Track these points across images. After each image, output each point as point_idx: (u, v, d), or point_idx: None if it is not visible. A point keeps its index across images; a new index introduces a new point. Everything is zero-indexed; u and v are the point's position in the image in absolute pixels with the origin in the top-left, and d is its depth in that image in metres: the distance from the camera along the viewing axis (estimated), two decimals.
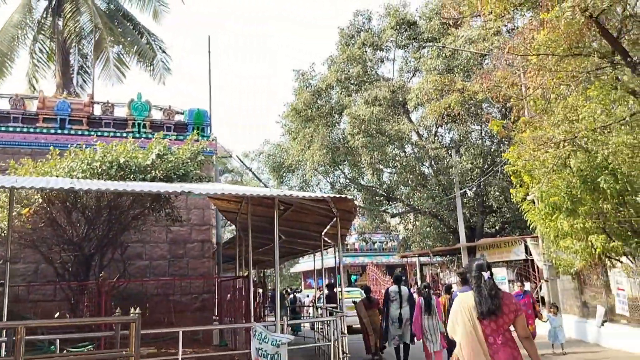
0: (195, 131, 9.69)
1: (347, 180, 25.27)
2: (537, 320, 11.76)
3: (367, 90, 21.25)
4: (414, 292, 14.34)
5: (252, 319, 7.43)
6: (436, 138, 22.61)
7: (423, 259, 30.07)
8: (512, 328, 3.88)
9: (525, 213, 13.07)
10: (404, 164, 20.67)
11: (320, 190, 26.62)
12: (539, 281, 17.25)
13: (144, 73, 14.64)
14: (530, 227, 12.93)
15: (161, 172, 7.64)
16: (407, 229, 25.06)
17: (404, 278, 29.92)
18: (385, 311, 10.23)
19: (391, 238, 31.28)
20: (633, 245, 11.05)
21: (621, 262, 11.55)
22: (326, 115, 22.08)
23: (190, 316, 10.14)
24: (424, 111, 20.95)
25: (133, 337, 4.86)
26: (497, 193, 20.02)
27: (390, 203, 25.11)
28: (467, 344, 3.77)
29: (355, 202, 26.62)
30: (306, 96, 21.72)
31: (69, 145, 8.80)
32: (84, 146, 8.31)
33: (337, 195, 6.52)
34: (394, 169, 21.89)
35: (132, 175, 7.43)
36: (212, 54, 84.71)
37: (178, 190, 5.91)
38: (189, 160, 8.28)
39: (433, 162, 21.30)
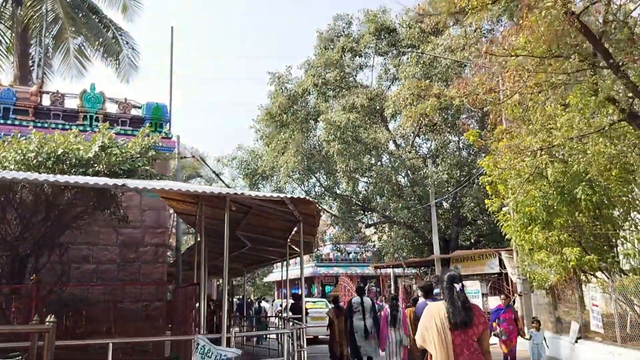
0: (148, 125, 8.99)
1: (322, 189, 24.70)
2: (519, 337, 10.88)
3: (345, 96, 20.78)
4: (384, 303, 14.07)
5: (203, 330, 6.73)
6: (413, 148, 22.23)
7: (397, 270, 29.62)
8: None
9: (500, 225, 12.64)
10: (379, 173, 20.17)
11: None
12: (513, 295, 16.83)
13: (108, 69, 13.89)
14: (505, 237, 12.48)
15: (105, 166, 6.94)
16: (382, 240, 24.55)
17: (377, 289, 29.11)
18: (349, 322, 10.13)
19: (366, 249, 30.75)
20: (609, 259, 10.66)
21: (596, 277, 11.16)
22: (302, 121, 21.52)
23: (141, 325, 9.40)
24: (400, 119, 20.54)
25: (46, 350, 4.19)
26: (472, 204, 19.65)
27: (366, 213, 24.61)
28: (440, 353, 3.81)
29: (331, 210, 26.27)
30: (281, 100, 21.15)
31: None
32: (18, 135, 7.56)
33: (296, 197, 5.91)
34: (370, 178, 21.39)
35: (72, 169, 6.73)
36: (190, 59, 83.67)
37: (110, 183, 5.24)
38: (138, 156, 7.60)
39: (409, 172, 20.88)
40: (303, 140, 21.43)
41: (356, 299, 10.40)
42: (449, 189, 20.31)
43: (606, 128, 9.39)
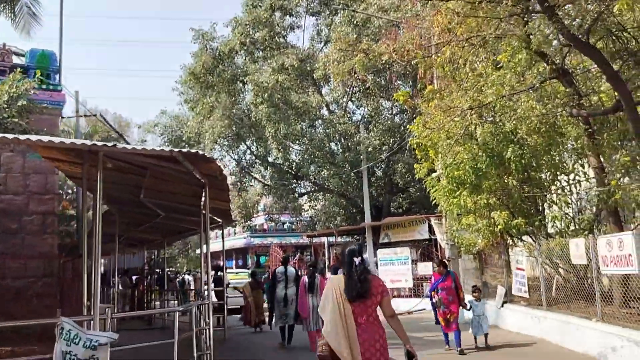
0: (18, 70, 7.57)
1: (254, 157, 23.63)
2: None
3: (274, 56, 19.61)
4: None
5: (87, 310, 5.68)
6: (346, 114, 21.52)
7: (332, 239, 29.25)
8: None
9: (429, 190, 12.21)
10: (312, 139, 19.33)
11: (224, 167, 24.80)
12: (444, 260, 16.70)
13: (5, 21, 11.93)
14: (434, 202, 12.06)
15: None
16: (315, 209, 23.92)
17: (311, 258, 28.41)
18: (271, 292, 10.41)
19: (300, 219, 30.11)
20: (536, 223, 10.44)
21: (523, 241, 10.97)
22: (229, 82, 20.20)
23: (26, 304, 8.20)
24: (332, 83, 19.69)
25: None
26: (404, 171, 19.30)
27: (299, 182, 23.81)
28: (333, 323, 3.97)
29: (263, 180, 25.30)
30: (206, 59, 19.69)
31: None
32: None
33: (188, 151, 4.91)
34: (302, 145, 20.50)
35: None
36: (109, 21, 78.31)
37: None
38: (5, 106, 6.33)
39: (342, 139, 20.17)
40: (230, 104, 20.16)
41: (280, 268, 10.56)
42: (382, 155, 19.82)
43: (537, 85, 8.97)
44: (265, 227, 36.03)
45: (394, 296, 18.22)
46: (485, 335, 9.29)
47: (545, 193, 10.29)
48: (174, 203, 8.79)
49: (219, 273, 14.19)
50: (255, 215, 36.98)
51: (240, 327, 14.05)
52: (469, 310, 9.35)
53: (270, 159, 22.31)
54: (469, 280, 14.72)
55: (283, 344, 10.15)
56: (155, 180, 7.33)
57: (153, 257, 23.89)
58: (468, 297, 9.70)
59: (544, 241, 10.01)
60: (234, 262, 38.93)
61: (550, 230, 10.85)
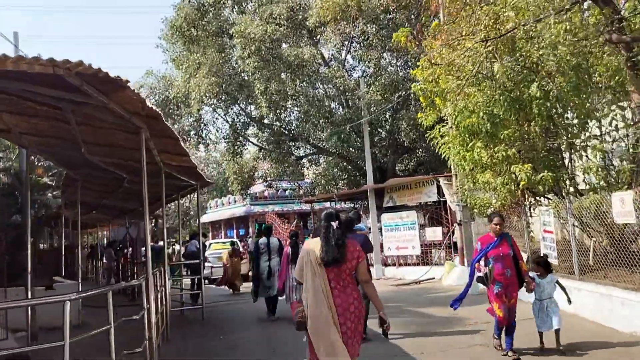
0: None
1: (248, 119, 21.99)
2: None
3: (263, 6, 17.76)
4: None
5: None
6: (344, 68, 19.73)
7: (335, 204, 27.85)
8: None
9: (436, 143, 10.56)
10: (306, 96, 17.64)
11: (217, 131, 23.19)
12: (452, 225, 15.22)
13: None
14: (443, 157, 10.46)
15: None
16: (315, 173, 22.39)
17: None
18: (255, 264, 10.12)
19: (300, 184, 28.67)
20: (565, 177, 8.84)
21: (549, 199, 9.39)
22: (215, 36, 18.47)
23: None
24: (327, 32, 17.86)
25: None
26: (409, 128, 17.62)
27: (296, 144, 22.21)
28: (311, 287, 3.94)
29: (258, 143, 23.80)
30: (189, 11, 17.89)
31: None
32: None
33: (81, 63, 3.32)
34: (295, 102, 18.80)
35: None
36: None
37: None
38: None
39: (340, 95, 18.42)
40: (218, 60, 18.43)
41: (262, 240, 10.22)
42: (384, 111, 18.12)
43: (567, 8, 7.26)
44: (265, 194, 34.60)
45: (400, 264, 16.87)
46: (557, 332, 6.08)
47: (574, 140, 8.65)
48: (128, 161, 7.28)
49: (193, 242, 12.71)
50: (255, 182, 35.77)
51: (222, 301, 12.90)
52: (532, 292, 6.25)
53: (266, 121, 20.68)
54: None
55: (269, 316, 9.91)
56: (87, 129, 5.80)
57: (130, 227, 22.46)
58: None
59: (574, 198, 8.44)
60: (234, 231, 37.78)
61: (580, 187, 9.26)
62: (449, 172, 14.38)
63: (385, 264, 17.25)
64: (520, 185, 8.70)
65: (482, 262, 6.23)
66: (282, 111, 18.61)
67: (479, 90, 8.74)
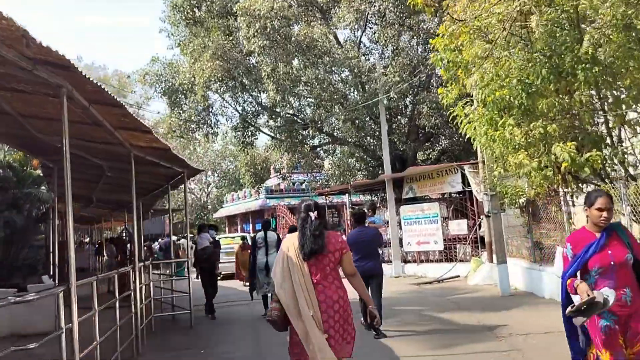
0: None
1: (258, 107, 20.81)
2: None
3: None
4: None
5: None
6: (359, 48, 18.40)
7: (355, 197, 26.60)
8: None
9: (459, 122, 9.17)
10: (317, 78, 16.35)
11: (227, 120, 22.04)
12: (478, 218, 13.82)
13: None
14: (469, 142, 9.05)
15: None
16: (331, 164, 21.11)
17: (335, 220, 25.34)
18: (252, 259, 9.83)
19: (315, 175, 27.42)
20: (615, 158, 7.41)
21: (596, 185, 7.94)
22: (219, 17, 17.30)
23: None
24: (342, 8, 16.53)
25: None
26: (430, 112, 16.22)
27: (310, 133, 20.94)
28: (289, 283, 3.69)
29: (269, 132, 22.62)
30: None
31: None
32: None
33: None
34: (306, 87, 17.51)
35: None
36: None
37: None
38: None
39: (354, 77, 17.05)
40: (224, 42, 17.28)
41: (260, 234, 9.92)
42: (403, 93, 16.73)
43: None
44: (281, 187, 33.47)
45: (421, 261, 15.53)
46: None
47: (627, 113, 7.20)
48: (89, 142, 6.14)
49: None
50: (271, 176, 34.69)
51: (221, 302, 11.83)
52: None
53: (277, 109, 19.46)
54: (514, 241, 11.88)
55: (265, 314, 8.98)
56: (12, 97, 4.64)
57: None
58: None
59: (629, 182, 7.02)
60: (251, 225, 36.73)
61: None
62: (475, 159, 12.99)
63: (405, 261, 15.93)
64: (562, 168, 7.29)
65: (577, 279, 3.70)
66: (292, 96, 17.33)
67: (511, 56, 7.34)
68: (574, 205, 8.47)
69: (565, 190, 8.32)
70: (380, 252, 9.10)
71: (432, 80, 18.71)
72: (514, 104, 7.63)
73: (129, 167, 7.23)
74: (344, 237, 5.55)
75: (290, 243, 3.81)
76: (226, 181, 48.39)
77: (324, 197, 23.71)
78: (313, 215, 3.77)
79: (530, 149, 7.78)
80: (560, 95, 7.62)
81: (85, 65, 31.42)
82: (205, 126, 21.31)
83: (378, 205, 17.67)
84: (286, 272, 3.71)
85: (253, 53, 15.96)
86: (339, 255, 3.76)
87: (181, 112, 21.10)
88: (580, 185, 8.29)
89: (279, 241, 9.46)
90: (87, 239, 31.09)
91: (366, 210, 10.03)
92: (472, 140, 9.26)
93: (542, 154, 7.60)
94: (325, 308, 3.61)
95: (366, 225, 8.29)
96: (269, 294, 8.96)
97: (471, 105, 9.24)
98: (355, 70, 16.26)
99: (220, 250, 19.26)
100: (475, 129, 8.75)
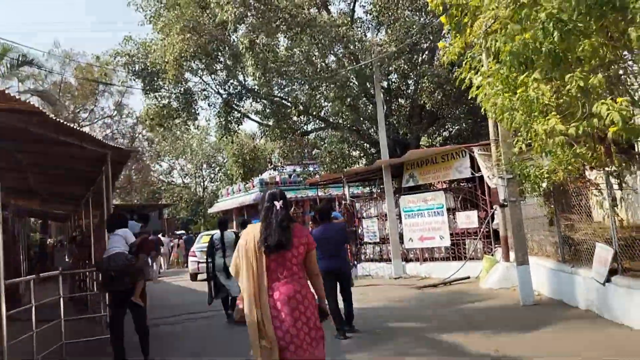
0: None
1: (242, 89, 18.86)
2: None
3: None
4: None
5: None
6: (352, 17, 16.41)
7: (355, 189, 24.70)
8: None
9: (464, 85, 7.17)
10: (302, 51, 14.41)
11: (209, 106, 20.08)
12: (491, 208, 11.86)
13: None
14: (475, 101, 7.08)
15: None
16: (320, 151, 19.17)
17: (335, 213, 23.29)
18: (210, 262, 9.17)
19: (311, 166, 25.45)
20: None
21: None
22: None
23: None
24: None
25: None
26: (433, 88, 14.22)
27: (300, 117, 19.00)
28: (248, 279, 3.42)
29: (254, 118, 20.72)
30: None
31: None
32: None
33: None
34: (290, 64, 15.53)
35: None
36: None
37: None
38: None
39: (344, 47, 15.05)
40: (195, 13, 15.35)
41: (216, 235, 9.31)
42: (401, 66, 14.76)
43: None
44: (277, 179, 31.53)
45: (424, 259, 13.59)
46: None
47: None
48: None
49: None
50: (267, 168, 32.79)
51: (185, 313, 9.95)
52: None
53: (261, 89, 17.48)
54: (536, 236, 9.92)
55: (228, 318, 8.83)
56: None
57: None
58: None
59: None
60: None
61: None
62: (487, 139, 11.03)
63: (406, 259, 13.99)
64: (609, 135, 5.33)
65: None
66: (276, 75, 15.35)
67: None
68: (621, 188, 6.49)
69: (610, 168, 6.34)
70: (346, 248, 8.47)
71: (434, 53, 16.74)
72: (539, 52, 5.68)
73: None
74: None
75: (251, 235, 3.50)
76: (221, 174, 46.53)
77: (318, 189, 21.85)
78: (278, 204, 3.51)
79: (564, 110, 5.82)
80: (606, 38, 5.68)
81: (63, 51, 29.39)
82: (184, 113, 19.41)
83: (375, 196, 15.74)
84: (248, 268, 3.43)
85: (227, 23, 14.00)
86: (303, 250, 3.51)
87: (158, 96, 19.22)
88: (630, 160, 6.33)
89: (236, 241, 8.12)
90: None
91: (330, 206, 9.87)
92: (483, 110, 7.33)
93: (581, 119, 5.64)
94: (284, 306, 3.33)
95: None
96: (230, 297, 8.83)
97: (480, 62, 7.32)
98: (344, 40, 14.24)
99: (199, 249, 17.72)
100: (485, 95, 6.81)
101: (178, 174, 50.08)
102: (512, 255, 10.66)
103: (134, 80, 19.45)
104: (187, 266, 21.65)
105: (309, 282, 3.56)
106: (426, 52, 16.70)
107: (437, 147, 14.78)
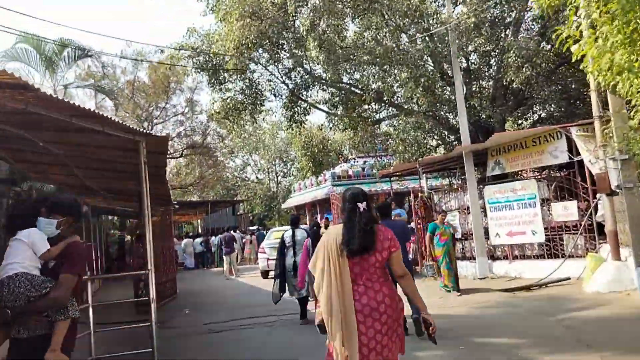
0: None
1: (308, 76, 18.03)
2: None
3: None
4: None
5: None
6: None
7: (433, 181, 23.25)
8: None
9: (565, 41, 5.76)
10: (369, 27, 13.30)
11: (275, 97, 19.39)
12: (594, 198, 10.21)
13: None
14: (568, 74, 5.69)
15: None
16: (390, 136, 17.91)
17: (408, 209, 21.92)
18: (280, 260, 9.01)
19: (386, 160, 24.16)
20: None
21: None
22: None
23: None
24: None
25: None
26: (519, 62, 12.61)
27: (369, 103, 17.89)
28: (327, 284, 3.31)
29: (322, 107, 19.82)
30: None
31: None
32: None
33: None
34: (356, 46, 14.44)
35: None
36: None
37: None
38: None
39: (415, 22, 13.74)
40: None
41: (288, 233, 9.12)
42: (482, 43, 13.27)
43: None
44: (350, 173, 30.51)
45: (514, 257, 12.11)
46: None
47: None
48: None
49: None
50: (339, 161, 31.88)
51: (233, 320, 9.20)
52: None
53: (323, 73, 16.48)
54: None
55: (301, 319, 8.67)
56: None
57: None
58: None
59: None
60: (319, 215, 34.11)
61: None
62: (588, 118, 9.43)
63: (493, 257, 12.55)
64: None
65: None
66: (339, 57, 14.30)
67: None
68: None
69: None
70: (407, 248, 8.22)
71: (519, 29, 15.03)
72: None
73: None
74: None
75: (333, 237, 3.37)
76: (294, 169, 46.22)
77: (392, 181, 20.66)
78: (362, 206, 3.38)
79: None
80: None
81: (134, 51, 29.92)
82: (250, 105, 18.87)
83: (455, 188, 14.34)
84: (328, 272, 3.31)
85: (288, 6, 13.18)
86: (387, 254, 3.36)
87: (223, 89, 18.85)
88: None
89: (313, 240, 8.27)
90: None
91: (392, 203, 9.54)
92: (588, 75, 5.93)
93: None
94: (370, 312, 3.22)
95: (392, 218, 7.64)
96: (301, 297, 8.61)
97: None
98: (417, 15, 12.95)
99: (268, 245, 17.15)
100: (593, 52, 5.42)
101: (252, 170, 50.48)
102: (623, 252, 9.07)
103: (199, 73, 19.22)
104: (258, 262, 21.30)
105: (394, 285, 3.44)
106: (511, 25, 15.05)
107: (526, 130, 13.13)
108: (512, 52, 12.76)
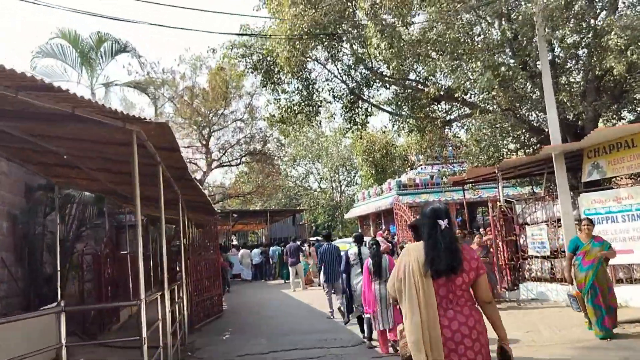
0: None
1: (370, 74, 16.58)
2: None
3: None
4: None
5: None
6: None
7: (510, 190, 21.13)
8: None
9: None
10: (439, 11, 11.70)
11: (334, 98, 18.06)
12: None
13: None
14: None
15: None
16: (467, 141, 16.07)
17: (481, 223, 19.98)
18: (346, 278, 8.62)
19: (457, 167, 22.15)
20: None
21: None
22: None
23: None
24: None
25: None
26: (622, 45, 10.58)
27: (439, 103, 16.19)
28: (412, 309, 3.13)
29: (386, 107, 18.20)
30: None
31: None
32: None
33: None
34: (425, 40, 12.82)
35: None
36: None
37: None
38: None
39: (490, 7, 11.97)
40: None
41: (353, 249, 8.69)
42: (569, 23, 11.35)
43: None
44: (417, 181, 28.60)
45: (619, 280, 10.06)
46: None
47: None
48: None
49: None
50: (405, 169, 30.13)
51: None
52: None
53: (390, 67, 14.92)
54: None
55: (364, 340, 8.27)
56: None
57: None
58: None
59: None
60: (384, 226, 32.34)
61: None
62: None
63: None
64: None
65: None
66: (403, 47, 12.72)
67: None
68: None
69: None
70: None
71: (617, 9, 12.90)
72: None
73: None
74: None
75: (413, 256, 3.22)
76: (357, 178, 44.73)
77: (465, 190, 18.78)
78: (443, 223, 3.21)
79: None
80: None
81: (193, 55, 29.64)
82: (306, 107, 17.67)
83: (543, 196, 12.33)
84: (412, 296, 3.10)
85: None
86: (474, 275, 3.18)
87: (278, 89, 17.82)
88: None
89: (374, 257, 7.90)
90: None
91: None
92: None
93: None
94: (461, 339, 3.04)
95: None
96: (364, 316, 8.22)
97: None
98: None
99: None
100: None
101: (314, 179, 49.46)
102: None
103: (252, 73, 18.27)
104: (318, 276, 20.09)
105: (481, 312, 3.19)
106: (607, 6, 12.94)
107: (631, 125, 11.01)
108: (612, 33, 10.72)
